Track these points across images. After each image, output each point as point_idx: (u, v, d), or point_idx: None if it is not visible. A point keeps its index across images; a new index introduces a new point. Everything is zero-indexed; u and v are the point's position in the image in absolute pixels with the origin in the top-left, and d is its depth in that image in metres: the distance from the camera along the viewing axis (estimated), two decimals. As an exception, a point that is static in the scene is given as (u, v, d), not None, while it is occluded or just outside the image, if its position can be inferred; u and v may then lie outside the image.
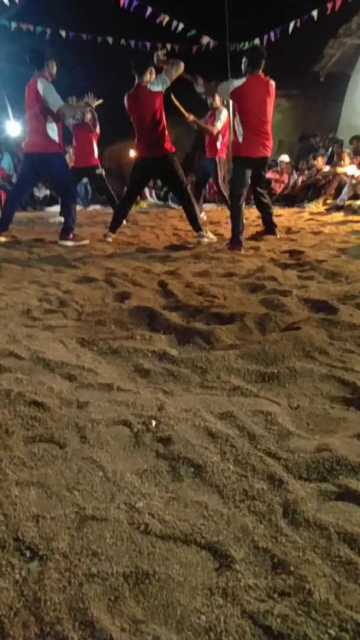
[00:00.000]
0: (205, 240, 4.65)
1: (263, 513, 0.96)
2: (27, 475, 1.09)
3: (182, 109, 5.38)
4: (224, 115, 6.38)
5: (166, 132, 4.46)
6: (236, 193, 4.39)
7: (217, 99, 6.38)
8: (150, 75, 4.37)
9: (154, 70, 4.42)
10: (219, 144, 6.49)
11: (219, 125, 6.33)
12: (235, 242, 4.22)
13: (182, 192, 4.66)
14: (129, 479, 1.07)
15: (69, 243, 4.81)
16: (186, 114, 5.57)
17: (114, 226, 5.09)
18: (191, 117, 5.80)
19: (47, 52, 4.54)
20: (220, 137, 6.47)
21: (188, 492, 1.03)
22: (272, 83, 4.22)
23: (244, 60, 4.26)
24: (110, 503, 0.99)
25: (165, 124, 4.44)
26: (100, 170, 6.97)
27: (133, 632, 0.72)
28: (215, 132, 6.34)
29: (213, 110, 6.44)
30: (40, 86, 4.41)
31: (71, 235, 4.93)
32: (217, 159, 6.54)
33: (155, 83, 4.29)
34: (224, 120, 6.39)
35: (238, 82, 4.19)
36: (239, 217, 4.29)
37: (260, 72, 4.21)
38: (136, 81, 4.39)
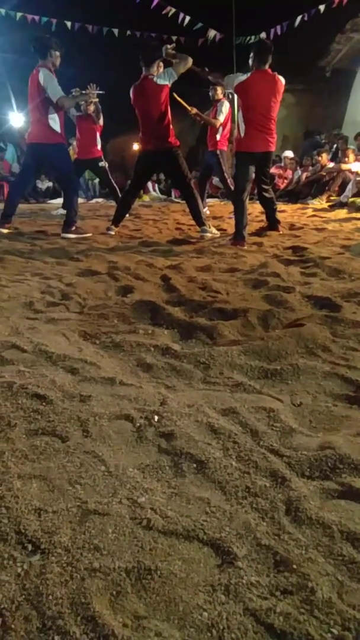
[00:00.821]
0: (208, 235, 4.64)
1: (265, 510, 0.96)
2: (29, 468, 1.08)
3: (184, 103, 5.42)
4: (225, 107, 6.42)
5: (171, 125, 4.42)
6: (239, 188, 4.37)
7: (219, 91, 6.39)
8: (157, 69, 4.34)
9: (162, 64, 4.39)
10: (218, 136, 6.50)
11: (221, 118, 6.37)
12: (238, 238, 4.20)
13: (186, 187, 4.64)
14: (131, 474, 1.06)
15: (72, 235, 4.80)
16: (188, 107, 5.60)
17: (117, 219, 5.08)
18: (194, 110, 5.88)
19: (51, 42, 4.50)
20: (220, 129, 6.48)
21: (190, 488, 1.03)
22: (280, 79, 4.10)
23: (251, 54, 4.20)
24: (112, 498, 0.99)
25: (170, 117, 4.40)
26: (104, 163, 6.93)
27: (135, 627, 0.72)
28: (218, 124, 6.36)
29: (215, 103, 6.44)
30: (41, 76, 4.38)
31: (74, 228, 4.91)
32: (218, 151, 6.53)
33: (162, 76, 4.25)
34: (225, 113, 6.43)
35: (243, 77, 4.13)
36: (242, 212, 4.27)
37: (267, 67, 4.12)
38: (143, 73, 4.35)
